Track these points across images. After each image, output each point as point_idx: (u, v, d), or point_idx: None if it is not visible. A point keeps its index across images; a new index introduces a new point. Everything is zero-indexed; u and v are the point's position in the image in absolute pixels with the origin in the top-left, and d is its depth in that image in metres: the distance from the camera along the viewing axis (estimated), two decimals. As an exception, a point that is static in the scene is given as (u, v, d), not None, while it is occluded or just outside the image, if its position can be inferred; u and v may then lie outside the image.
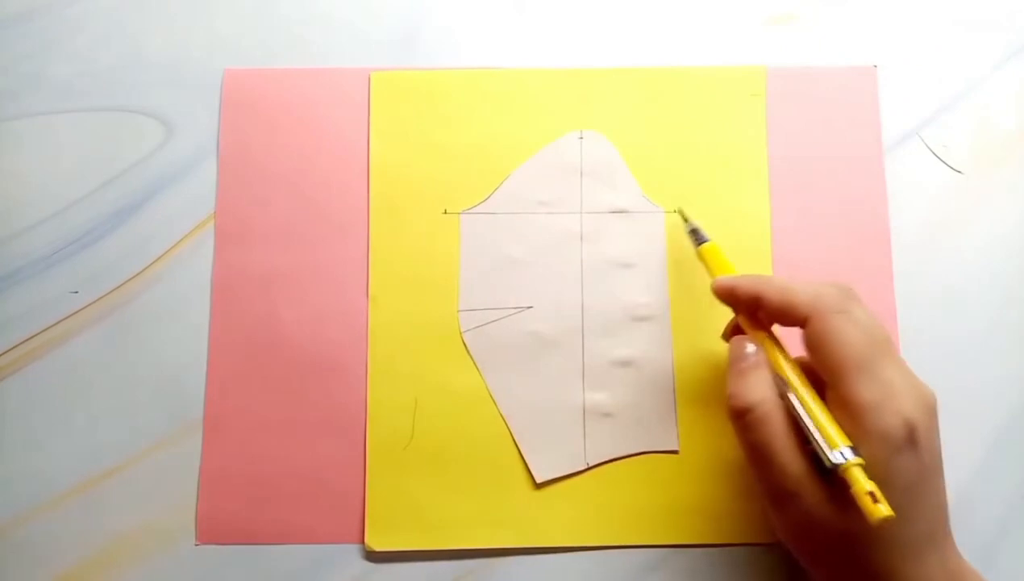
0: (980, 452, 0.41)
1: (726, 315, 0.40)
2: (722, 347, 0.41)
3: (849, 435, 0.31)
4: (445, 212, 0.42)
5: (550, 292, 0.42)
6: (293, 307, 0.42)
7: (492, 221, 0.42)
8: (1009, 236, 0.43)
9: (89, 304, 0.42)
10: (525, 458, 0.40)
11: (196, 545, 0.40)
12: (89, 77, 0.44)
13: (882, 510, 0.29)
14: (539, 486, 0.40)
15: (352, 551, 0.40)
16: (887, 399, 0.31)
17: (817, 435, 0.31)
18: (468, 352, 0.41)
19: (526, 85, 0.44)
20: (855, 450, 0.30)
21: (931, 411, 0.33)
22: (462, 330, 0.41)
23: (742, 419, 0.33)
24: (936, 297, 0.42)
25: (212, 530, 0.40)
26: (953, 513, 0.41)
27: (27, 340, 0.41)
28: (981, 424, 0.41)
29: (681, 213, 0.41)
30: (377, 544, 0.39)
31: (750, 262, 0.42)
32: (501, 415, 0.41)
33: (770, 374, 0.34)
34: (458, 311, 0.42)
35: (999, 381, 0.42)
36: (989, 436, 0.41)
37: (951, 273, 0.42)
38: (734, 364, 0.34)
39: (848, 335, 0.32)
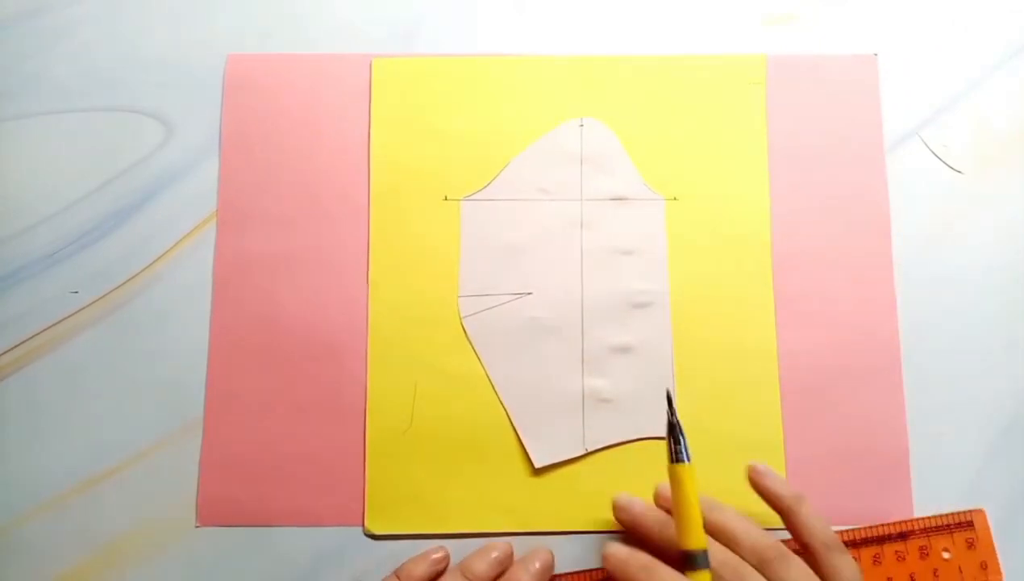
0: (980, 451, 0.41)
1: (726, 302, 0.41)
2: (720, 334, 0.41)
3: None
4: (446, 198, 0.43)
5: (550, 278, 0.42)
6: (294, 292, 0.42)
7: (492, 208, 0.42)
8: (1009, 235, 0.43)
9: (89, 304, 0.42)
10: (524, 443, 0.40)
11: (196, 527, 0.40)
12: (89, 77, 0.44)
13: None
14: (537, 471, 0.40)
15: (352, 534, 0.40)
16: None
17: None
18: (468, 338, 0.41)
19: (527, 72, 0.44)
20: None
21: None
22: (462, 316, 0.42)
23: None
24: (936, 296, 0.42)
25: (212, 512, 0.40)
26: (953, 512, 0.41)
27: (27, 340, 0.41)
28: (981, 423, 0.41)
29: (668, 396, 0.36)
30: (376, 528, 0.40)
31: (749, 251, 0.42)
32: (500, 401, 0.41)
33: None
34: (458, 297, 0.42)
35: (999, 379, 0.42)
36: (989, 435, 0.41)
37: (951, 272, 0.43)
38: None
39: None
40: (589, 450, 0.40)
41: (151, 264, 0.42)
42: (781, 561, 0.34)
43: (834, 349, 0.41)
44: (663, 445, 0.40)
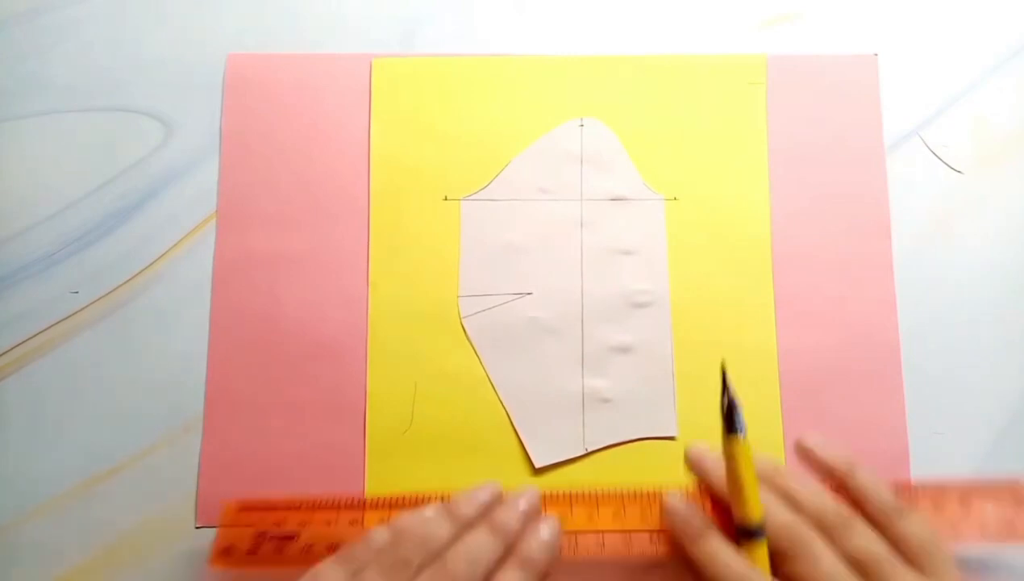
0: (980, 451, 0.41)
1: (726, 302, 0.41)
2: (720, 334, 0.41)
3: None
4: (446, 198, 0.43)
5: (550, 278, 0.42)
6: (294, 292, 0.42)
7: (492, 208, 0.43)
8: (1009, 235, 0.43)
9: (89, 304, 0.42)
10: (524, 444, 0.40)
11: (196, 527, 0.40)
12: (89, 77, 0.44)
13: None
14: (538, 471, 0.40)
15: (352, 534, 0.40)
16: None
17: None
18: (468, 338, 0.41)
19: (527, 72, 0.44)
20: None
21: None
22: (462, 316, 0.42)
23: None
24: (936, 295, 0.42)
25: (212, 512, 0.40)
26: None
27: (27, 340, 0.41)
28: (981, 422, 0.41)
29: (723, 370, 0.33)
30: None
31: (749, 251, 0.42)
32: (500, 401, 0.41)
33: None
34: (458, 297, 0.42)
35: (999, 379, 0.42)
36: (989, 434, 0.41)
37: (951, 272, 0.43)
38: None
39: None
40: (589, 450, 0.40)
41: (151, 264, 0.42)
42: (845, 528, 0.31)
43: (834, 349, 0.41)
44: (663, 445, 0.41)
